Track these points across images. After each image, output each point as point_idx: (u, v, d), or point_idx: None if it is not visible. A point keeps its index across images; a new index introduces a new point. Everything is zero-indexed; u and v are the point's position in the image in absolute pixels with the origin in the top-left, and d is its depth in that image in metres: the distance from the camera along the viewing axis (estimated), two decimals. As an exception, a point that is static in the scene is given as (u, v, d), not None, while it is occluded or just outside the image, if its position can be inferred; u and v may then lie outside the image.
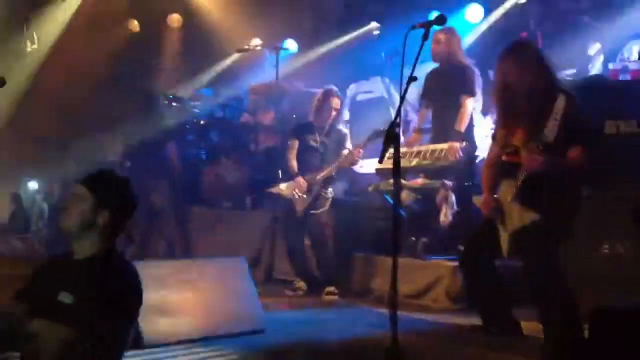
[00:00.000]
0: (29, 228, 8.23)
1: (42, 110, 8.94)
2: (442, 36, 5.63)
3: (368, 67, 8.18)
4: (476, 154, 5.61)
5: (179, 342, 3.83)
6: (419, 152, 5.49)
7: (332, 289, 5.63)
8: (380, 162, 3.40)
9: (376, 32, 8.74)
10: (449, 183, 5.29)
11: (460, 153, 5.27)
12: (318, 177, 5.77)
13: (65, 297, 2.38)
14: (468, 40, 7.63)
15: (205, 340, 3.93)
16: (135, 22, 10.39)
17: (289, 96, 8.50)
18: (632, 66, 5.57)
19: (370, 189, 5.85)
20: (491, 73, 6.11)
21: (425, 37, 3.31)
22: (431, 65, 5.86)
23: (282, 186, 6.01)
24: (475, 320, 4.13)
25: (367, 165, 6.14)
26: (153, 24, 10.43)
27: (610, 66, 5.88)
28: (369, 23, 8.87)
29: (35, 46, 9.46)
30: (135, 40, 10.26)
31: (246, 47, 8.93)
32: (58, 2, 9.58)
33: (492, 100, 4.09)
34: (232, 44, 9.48)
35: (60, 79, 9.19)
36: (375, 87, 7.89)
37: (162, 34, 10.51)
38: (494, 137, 4.05)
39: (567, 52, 6.51)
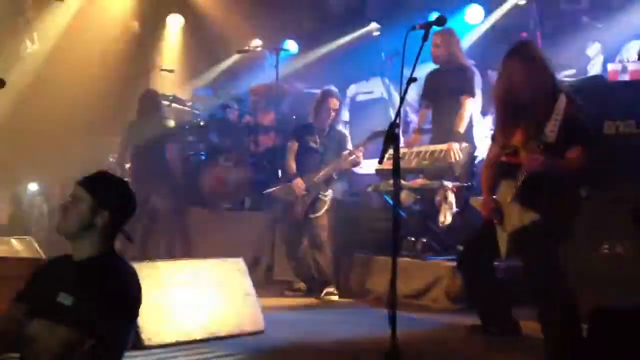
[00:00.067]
0: (29, 229, 8.22)
1: (42, 111, 8.94)
2: (440, 39, 5.63)
3: (368, 68, 8.18)
4: (475, 154, 5.62)
5: (179, 343, 3.84)
6: (418, 153, 5.49)
7: (331, 289, 5.64)
8: (380, 162, 3.42)
9: (376, 33, 8.74)
10: (448, 184, 5.30)
11: (460, 154, 5.27)
12: (316, 178, 5.77)
13: (65, 299, 2.38)
14: (468, 40, 7.63)
15: (204, 341, 3.93)
16: (136, 22, 10.39)
17: (289, 97, 8.52)
18: (631, 66, 5.57)
19: (369, 189, 5.86)
20: (491, 73, 6.15)
21: (425, 37, 3.33)
22: (431, 66, 5.87)
23: (277, 188, 6.01)
24: (475, 321, 4.13)
25: (367, 166, 6.14)
26: (153, 24, 10.44)
27: (609, 66, 5.88)
28: (369, 24, 8.87)
29: (35, 46, 9.46)
30: (135, 40, 10.26)
31: (246, 48, 8.93)
32: (58, 3, 9.58)
33: (493, 100, 4.09)
34: (233, 45, 9.48)
35: (60, 80, 9.19)
36: (375, 88, 7.90)
37: (162, 34, 10.52)
38: (493, 137, 4.06)
39: (567, 52, 6.52)
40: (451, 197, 5.29)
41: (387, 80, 7.67)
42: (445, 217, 5.27)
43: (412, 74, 3.21)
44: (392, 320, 2.98)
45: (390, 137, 3.15)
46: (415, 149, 5.58)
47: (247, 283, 4.36)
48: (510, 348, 3.79)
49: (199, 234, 7.30)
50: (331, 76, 7.96)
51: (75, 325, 2.32)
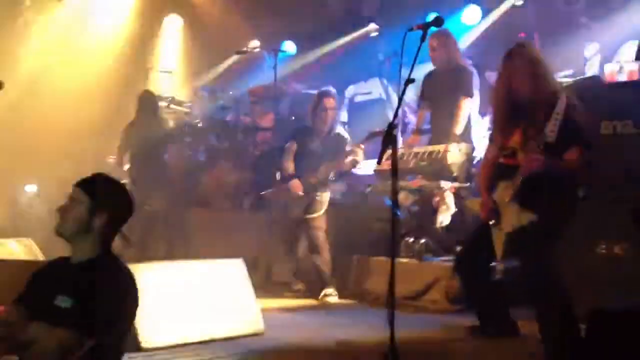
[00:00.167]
0: (28, 231, 8.21)
1: (40, 112, 8.93)
2: (436, 41, 5.62)
3: (366, 69, 8.20)
4: (474, 154, 5.62)
5: (178, 345, 3.83)
6: (417, 154, 5.48)
7: (330, 290, 5.64)
8: (379, 163, 3.42)
9: (374, 34, 8.74)
10: (446, 184, 5.30)
11: (457, 155, 5.27)
12: (314, 179, 5.77)
13: (63, 301, 2.38)
14: (466, 41, 7.63)
15: (204, 342, 3.93)
16: (136, 23, 10.39)
17: (288, 98, 8.52)
18: (628, 67, 5.57)
19: (368, 190, 5.86)
20: (488, 74, 6.15)
21: (423, 38, 3.33)
22: (430, 66, 5.87)
23: (273, 191, 6.01)
24: (473, 321, 4.13)
25: (365, 166, 6.15)
26: (153, 24, 10.43)
27: (607, 67, 5.88)
28: (367, 25, 8.88)
29: (33, 48, 9.46)
30: (135, 40, 10.25)
31: (245, 49, 8.93)
32: (57, 3, 9.58)
33: (492, 101, 4.08)
34: (231, 46, 9.48)
35: (59, 81, 9.19)
36: (374, 89, 7.91)
37: (162, 35, 10.51)
38: (491, 138, 4.06)
39: (564, 53, 6.52)
40: (449, 198, 5.30)
41: (385, 81, 7.68)
42: (444, 218, 5.28)
43: (410, 74, 3.22)
44: (391, 321, 2.98)
45: (389, 138, 3.15)
46: (413, 150, 5.58)
47: (246, 284, 4.36)
48: (508, 348, 3.79)
49: (198, 235, 7.30)
50: (329, 77, 7.98)
51: (74, 327, 2.32)
